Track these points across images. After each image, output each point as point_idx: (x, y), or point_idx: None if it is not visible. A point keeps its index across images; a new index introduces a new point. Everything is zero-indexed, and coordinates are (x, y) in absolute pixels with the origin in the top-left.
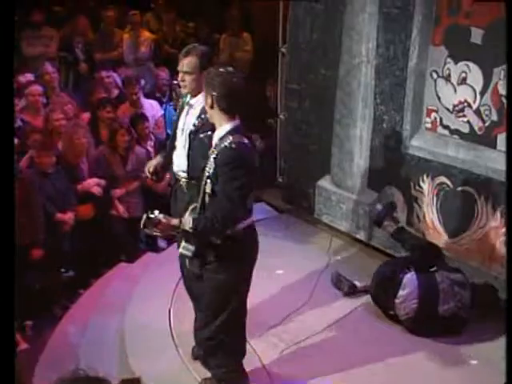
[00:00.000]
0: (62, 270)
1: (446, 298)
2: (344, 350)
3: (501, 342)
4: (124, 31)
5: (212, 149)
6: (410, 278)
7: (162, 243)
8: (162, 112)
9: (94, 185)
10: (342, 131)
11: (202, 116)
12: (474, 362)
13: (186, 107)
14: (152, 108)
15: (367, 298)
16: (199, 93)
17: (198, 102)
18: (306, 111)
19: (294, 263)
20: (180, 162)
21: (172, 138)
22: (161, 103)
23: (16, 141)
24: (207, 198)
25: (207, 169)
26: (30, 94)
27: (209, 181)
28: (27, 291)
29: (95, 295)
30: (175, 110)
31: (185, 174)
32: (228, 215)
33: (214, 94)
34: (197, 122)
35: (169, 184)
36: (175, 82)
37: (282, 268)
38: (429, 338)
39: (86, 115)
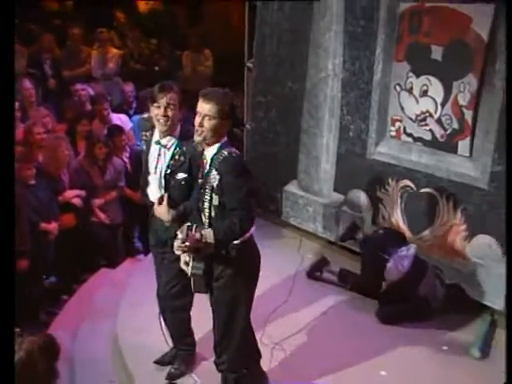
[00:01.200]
0: (44, 276)
1: (428, 283)
2: (328, 343)
3: (468, 330)
4: (92, 48)
5: (207, 165)
6: (410, 247)
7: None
8: (131, 125)
9: (74, 196)
10: (308, 140)
11: (177, 157)
12: (445, 347)
13: (157, 146)
14: (121, 122)
15: (347, 294)
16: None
17: (171, 142)
18: (272, 121)
19: (267, 263)
20: (156, 195)
21: (145, 171)
22: (129, 116)
23: None
24: (214, 212)
25: (212, 182)
26: None
27: (214, 194)
28: (14, 299)
29: (82, 301)
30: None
31: None
32: (244, 221)
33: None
34: (171, 164)
35: None
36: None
37: None
38: (399, 318)
39: (62, 127)
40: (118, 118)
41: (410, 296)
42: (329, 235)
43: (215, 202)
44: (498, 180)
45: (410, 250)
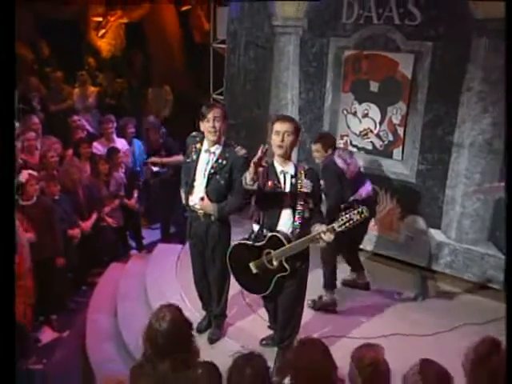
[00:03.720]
0: None
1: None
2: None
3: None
4: (72, 86)
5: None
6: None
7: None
8: (128, 147)
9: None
10: None
11: (220, 161)
12: (396, 297)
13: (207, 154)
14: (121, 144)
15: None
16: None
17: (218, 149)
18: (242, 139)
19: None
20: (197, 197)
21: (192, 179)
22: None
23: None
24: (307, 213)
25: (304, 190)
26: (26, 139)
27: (308, 198)
28: (47, 292)
29: (106, 289)
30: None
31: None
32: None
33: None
34: (214, 166)
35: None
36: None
37: None
38: None
39: (70, 152)
40: (119, 141)
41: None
42: None
43: (311, 205)
44: (422, 176)
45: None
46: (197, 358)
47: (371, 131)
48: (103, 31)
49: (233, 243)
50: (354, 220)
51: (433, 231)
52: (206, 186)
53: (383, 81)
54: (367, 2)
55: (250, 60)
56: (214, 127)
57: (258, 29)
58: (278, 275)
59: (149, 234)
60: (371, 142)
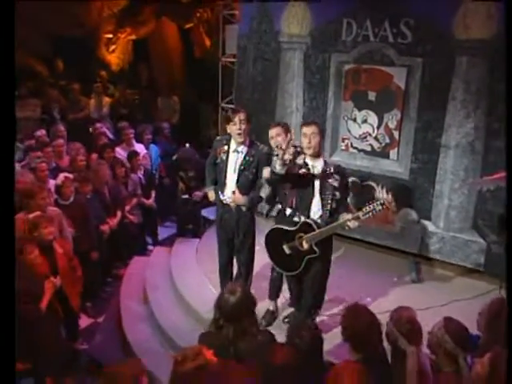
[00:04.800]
0: None
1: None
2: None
3: (405, 270)
4: (88, 97)
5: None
6: None
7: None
8: (146, 151)
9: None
10: None
11: (247, 158)
12: (395, 279)
13: (235, 153)
14: (139, 147)
15: None
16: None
17: (244, 149)
18: None
19: None
20: (229, 192)
21: (224, 176)
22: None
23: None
24: (334, 204)
25: (332, 183)
26: (56, 145)
27: (336, 191)
28: (84, 282)
29: (133, 280)
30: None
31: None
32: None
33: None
34: (243, 163)
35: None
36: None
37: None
38: None
39: (94, 156)
40: (138, 146)
41: None
42: None
43: (337, 196)
44: (414, 173)
45: None
46: (256, 327)
47: (370, 135)
48: (113, 47)
49: (271, 227)
50: (377, 210)
51: (424, 222)
52: (237, 182)
53: (380, 91)
54: (364, 22)
55: (258, 72)
56: (240, 129)
57: (265, 44)
58: (308, 256)
59: (161, 231)
60: (370, 144)
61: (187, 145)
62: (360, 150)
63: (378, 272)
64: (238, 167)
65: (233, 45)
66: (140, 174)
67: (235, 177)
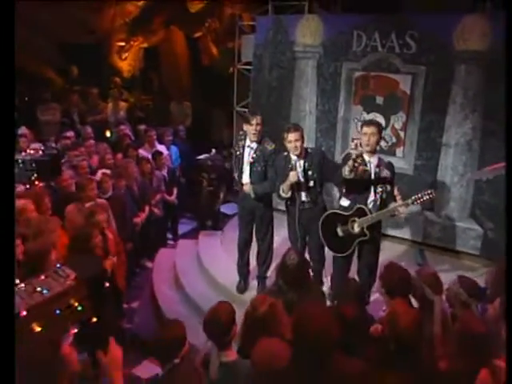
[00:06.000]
0: None
1: None
2: None
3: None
4: (106, 101)
5: (257, 152)
6: None
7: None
8: (167, 152)
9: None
10: None
11: (257, 153)
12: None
13: (248, 149)
14: (161, 148)
15: None
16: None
17: (256, 146)
18: None
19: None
20: (246, 179)
21: (241, 167)
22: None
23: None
24: (384, 195)
25: (384, 177)
26: (87, 146)
27: (387, 185)
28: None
29: (162, 270)
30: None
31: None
32: None
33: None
34: (254, 157)
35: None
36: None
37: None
38: None
39: (120, 155)
40: (160, 147)
41: None
42: None
43: (388, 189)
44: (418, 169)
45: None
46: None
47: None
48: (126, 54)
49: (327, 212)
50: (424, 199)
51: (427, 213)
52: (250, 172)
53: (387, 96)
54: (373, 34)
55: (273, 79)
56: (255, 130)
57: (281, 53)
58: (359, 239)
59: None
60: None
61: (213, 150)
62: None
63: (387, 258)
64: (249, 160)
65: (248, 53)
66: (164, 172)
67: (248, 168)
